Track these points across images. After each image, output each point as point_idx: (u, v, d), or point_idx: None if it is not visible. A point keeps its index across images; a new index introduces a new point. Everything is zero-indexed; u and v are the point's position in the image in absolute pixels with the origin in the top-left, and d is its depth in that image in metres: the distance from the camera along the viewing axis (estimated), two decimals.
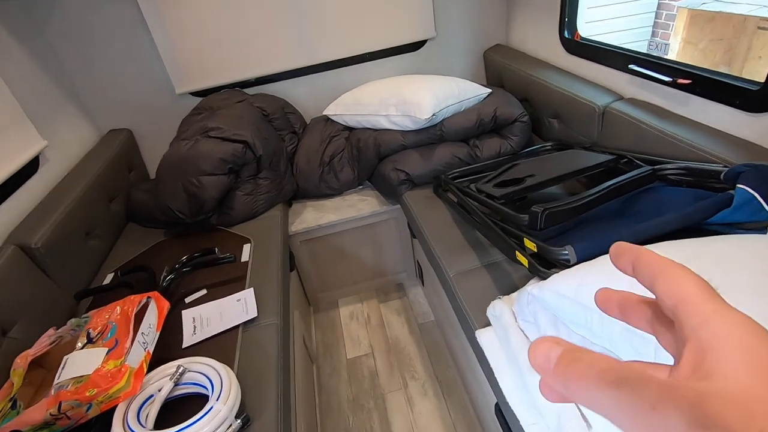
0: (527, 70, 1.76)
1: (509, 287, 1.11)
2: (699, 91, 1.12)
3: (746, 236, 0.76)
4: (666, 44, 1.17)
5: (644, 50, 3.51)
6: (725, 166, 0.95)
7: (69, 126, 1.69)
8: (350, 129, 1.87)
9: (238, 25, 1.83)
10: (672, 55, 3.29)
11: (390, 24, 1.95)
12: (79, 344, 0.89)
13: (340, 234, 1.74)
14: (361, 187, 1.85)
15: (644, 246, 0.21)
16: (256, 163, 1.59)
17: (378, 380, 1.58)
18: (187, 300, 1.23)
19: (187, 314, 1.17)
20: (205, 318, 1.16)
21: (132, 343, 0.88)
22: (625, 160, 1.21)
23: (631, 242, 0.21)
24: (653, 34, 3.45)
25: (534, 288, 0.83)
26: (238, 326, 1.12)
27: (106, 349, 0.86)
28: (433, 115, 1.53)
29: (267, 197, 1.62)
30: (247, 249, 1.42)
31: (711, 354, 0.16)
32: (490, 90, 1.75)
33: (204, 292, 1.26)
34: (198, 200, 1.47)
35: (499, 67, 2.01)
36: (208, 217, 1.52)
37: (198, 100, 1.88)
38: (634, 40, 3.45)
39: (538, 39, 1.84)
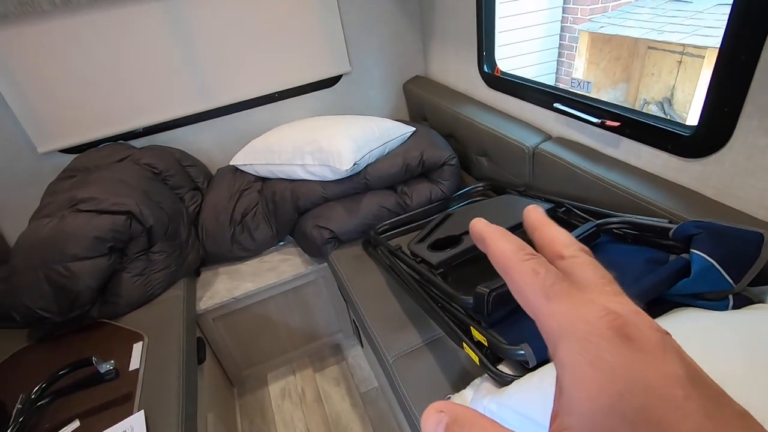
0: (450, 105, 1.67)
1: (459, 373, 0.96)
2: (629, 134, 1.06)
3: (721, 316, 0.67)
4: (588, 83, 1.13)
5: (554, 66, 3.68)
6: (671, 221, 0.87)
7: None
8: (263, 180, 1.64)
9: (117, 69, 1.54)
10: (578, 74, 3.47)
11: (300, 60, 1.77)
12: None
13: (262, 303, 1.50)
14: (282, 243, 1.63)
15: None
16: (147, 236, 1.31)
17: None
18: None
19: None
20: None
21: None
22: (564, 208, 1.13)
23: None
24: (560, 55, 3.63)
25: (491, 402, 0.68)
26: None
27: None
28: (355, 164, 1.36)
29: (165, 274, 1.34)
30: (137, 350, 1.13)
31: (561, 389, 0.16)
32: (414, 128, 1.62)
33: (76, 425, 0.96)
34: (69, 293, 1.16)
35: (420, 101, 1.91)
36: (85, 311, 1.21)
37: (70, 158, 1.55)
38: (544, 61, 3.61)
39: (458, 72, 1.76)
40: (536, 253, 0.19)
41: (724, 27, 0.80)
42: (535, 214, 0.22)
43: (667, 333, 0.16)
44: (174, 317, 1.25)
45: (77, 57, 1.48)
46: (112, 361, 1.04)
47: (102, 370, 1.02)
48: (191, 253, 1.45)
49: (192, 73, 1.64)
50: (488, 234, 0.21)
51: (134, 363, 1.10)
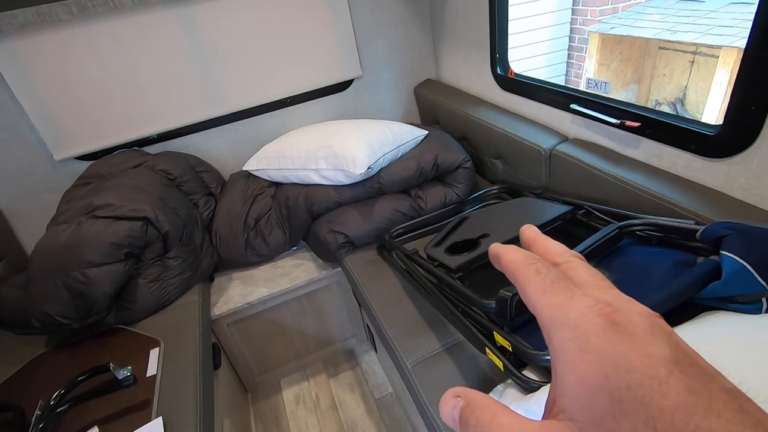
0: (463, 108, 1.66)
1: (480, 378, 0.94)
2: (649, 134, 1.04)
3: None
4: (606, 83, 1.12)
5: (564, 68, 3.66)
6: (697, 223, 0.85)
7: None
8: (276, 184, 1.64)
9: (131, 76, 1.55)
10: (589, 76, 3.44)
11: (312, 65, 1.77)
12: None
13: (275, 308, 1.50)
14: (295, 248, 1.62)
15: None
16: (162, 242, 1.31)
17: None
18: None
19: None
20: None
21: None
22: (583, 211, 1.11)
23: None
24: (569, 57, 3.61)
25: (518, 409, 0.66)
26: None
27: None
28: (369, 168, 1.36)
29: (180, 280, 1.34)
30: (154, 356, 1.13)
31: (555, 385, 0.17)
32: (427, 131, 1.62)
33: (95, 431, 0.96)
34: (86, 299, 1.16)
35: (432, 104, 1.90)
36: (102, 317, 1.21)
37: (86, 165, 1.56)
38: (554, 63, 3.59)
39: (470, 74, 1.75)
40: (543, 260, 0.21)
41: (751, 25, 0.78)
42: (529, 231, 0.24)
43: (658, 317, 0.17)
44: (189, 323, 1.25)
45: (93, 65, 1.49)
46: (130, 368, 1.04)
47: (120, 377, 1.02)
48: (205, 258, 1.45)
49: (205, 80, 1.65)
50: (502, 249, 0.22)
51: (151, 369, 1.09)
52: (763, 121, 0.81)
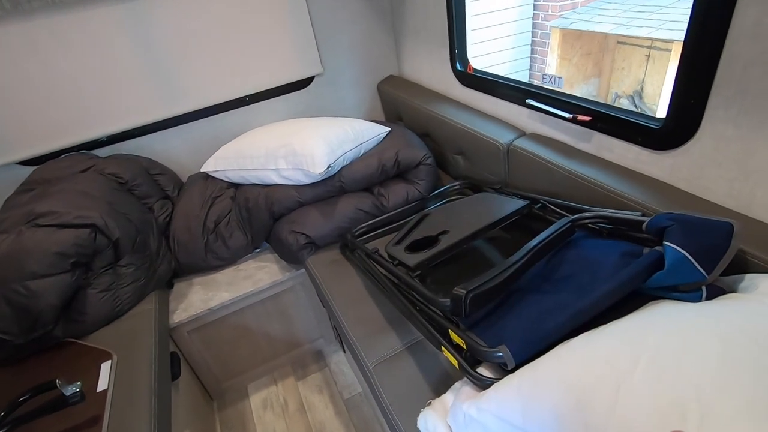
0: (425, 105, 1.65)
1: (440, 376, 0.94)
2: (600, 128, 1.06)
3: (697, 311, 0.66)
4: (559, 78, 1.14)
5: (528, 63, 3.72)
6: (643, 214, 0.87)
7: None
8: (236, 186, 1.60)
9: (77, 75, 1.47)
10: (551, 70, 3.51)
11: (270, 62, 1.73)
12: None
13: (239, 313, 1.46)
14: (258, 250, 1.59)
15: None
16: (113, 249, 1.25)
17: None
18: None
19: None
20: None
21: None
22: (539, 205, 1.12)
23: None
24: (533, 51, 3.67)
25: (471, 407, 0.66)
26: None
27: None
28: (329, 167, 1.33)
29: (133, 288, 1.29)
30: (105, 369, 1.08)
31: None
32: (389, 128, 1.60)
33: None
34: (30, 313, 1.10)
35: (395, 100, 1.89)
36: (48, 331, 1.15)
37: (30, 170, 1.47)
38: (518, 58, 3.64)
39: (431, 70, 1.75)
40: None
41: (688, 20, 0.80)
42: None
43: None
44: (145, 332, 1.20)
45: (34, 63, 1.40)
46: (79, 383, 0.99)
47: (67, 393, 0.96)
48: (162, 264, 1.40)
49: (158, 78, 1.59)
50: None
51: (102, 384, 1.04)
52: (703, 114, 0.84)
